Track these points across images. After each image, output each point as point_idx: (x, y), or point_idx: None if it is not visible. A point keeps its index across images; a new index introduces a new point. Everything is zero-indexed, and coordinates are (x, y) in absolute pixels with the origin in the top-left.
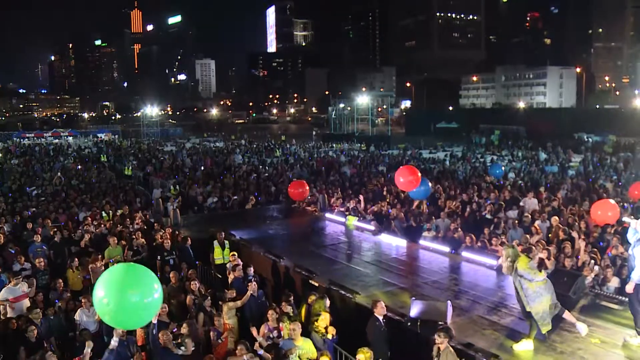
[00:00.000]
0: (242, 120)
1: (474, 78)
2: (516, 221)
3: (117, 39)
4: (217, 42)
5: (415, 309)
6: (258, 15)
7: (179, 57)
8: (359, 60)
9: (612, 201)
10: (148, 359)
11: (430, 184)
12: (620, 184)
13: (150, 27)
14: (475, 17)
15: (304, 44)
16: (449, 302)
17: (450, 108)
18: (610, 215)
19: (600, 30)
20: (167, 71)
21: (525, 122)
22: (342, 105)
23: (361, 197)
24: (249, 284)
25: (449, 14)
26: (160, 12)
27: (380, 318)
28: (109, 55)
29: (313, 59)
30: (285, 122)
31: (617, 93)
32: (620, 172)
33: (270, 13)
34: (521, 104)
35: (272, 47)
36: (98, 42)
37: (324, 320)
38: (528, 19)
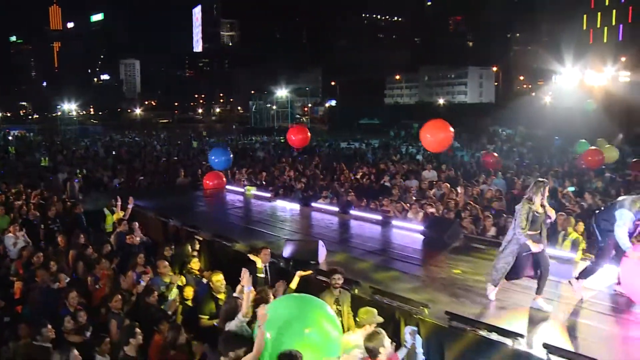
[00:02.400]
0: (167, 120)
1: (397, 77)
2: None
3: (34, 36)
4: (142, 41)
5: (287, 250)
6: (184, 15)
7: (102, 57)
8: (288, 60)
9: None
10: None
11: (231, 155)
12: (523, 164)
13: (70, 25)
14: (400, 19)
15: (230, 44)
16: (320, 241)
17: (374, 106)
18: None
19: (518, 35)
20: (89, 71)
21: (445, 118)
22: (261, 101)
23: (264, 173)
24: (129, 236)
25: (375, 16)
26: (81, 9)
27: (263, 265)
28: (27, 52)
29: (239, 59)
30: (211, 121)
31: (533, 94)
32: (523, 156)
33: (197, 12)
34: (441, 101)
35: (198, 47)
36: (13, 39)
37: (195, 263)
38: (451, 22)
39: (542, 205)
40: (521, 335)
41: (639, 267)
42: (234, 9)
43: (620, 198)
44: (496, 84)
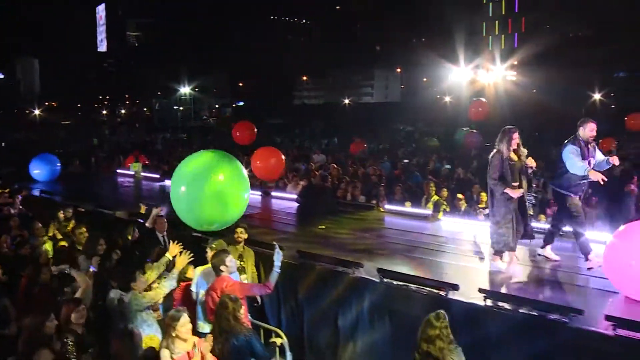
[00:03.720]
0: (69, 122)
1: (305, 78)
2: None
3: None
4: (42, 40)
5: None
6: (87, 13)
7: None
8: (195, 61)
9: None
10: None
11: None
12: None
13: None
14: (309, 22)
15: (137, 44)
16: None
17: (282, 107)
18: None
19: (424, 39)
20: None
21: (350, 118)
22: (165, 100)
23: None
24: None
25: (284, 18)
26: None
27: (161, 235)
28: None
29: (146, 59)
30: (116, 122)
31: (438, 97)
32: None
33: (100, 11)
34: (346, 101)
35: (102, 47)
36: None
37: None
38: (359, 26)
39: (517, 154)
40: (361, 265)
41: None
42: (140, 8)
43: None
44: (403, 87)
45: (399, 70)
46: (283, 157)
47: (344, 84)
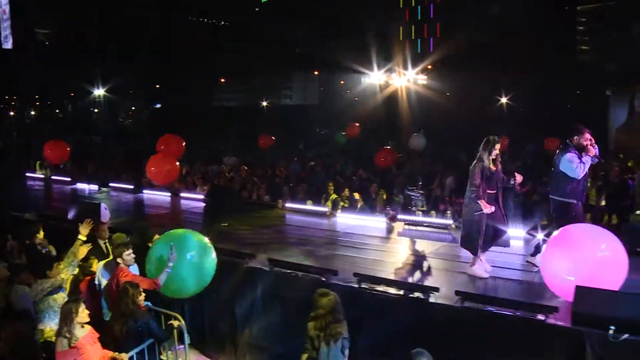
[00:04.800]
0: None
1: (222, 80)
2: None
3: None
4: None
5: (71, 212)
6: None
7: None
8: (112, 62)
9: None
10: None
11: None
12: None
13: None
14: (227, 23)
15: (46, 41)
16: (102, 204)
17: (202, 109)
18: None
19: (342, 42)
20: None
21: (269, 120)
22: (79, 101)
23: None
24: None
25: (203, 19)
26: None
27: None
28: None
29: (57, 58)
30: (25, 124)
31: (356, 99)
32: None
33: (4, 4)
34: (264, 103)
35: (8, 44)
36: None
37: None
38: (280, 28)
39: (495, 164)
40: (253, 256)
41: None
42: (51, 3)
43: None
44: (322, 88)
45: (316, 72)
46: (177, 162)
47: (263, 86)
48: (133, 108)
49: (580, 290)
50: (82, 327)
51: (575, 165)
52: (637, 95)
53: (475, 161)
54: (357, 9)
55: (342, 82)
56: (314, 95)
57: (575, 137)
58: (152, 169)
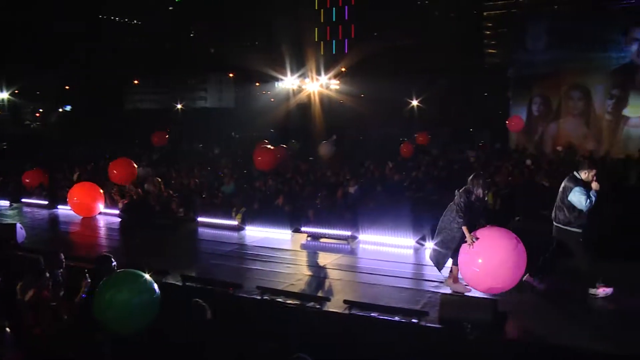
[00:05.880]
0: None
1: (136, 82)
2: None
3: None
4: None
5: None
6: None
7: None
8: (18, 62)
9: None
10: None
11: None
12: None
13: None
14: (139, 22)
15: None
16: (18, 224)
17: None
18: None
19: (257, 43)
20: None
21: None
22: None
23: None
24: None
25: (114, 18)
26: None
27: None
28: None
29: None
30: None
31: (273, 100)
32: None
33: None
34: (179, 106)
35: None
36: None
37: None
38: (193, 28)
39: (482, 196)
40: (167, 272)
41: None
42: None
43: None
44: (237, 91)
45: (231, 75)
46: (101, 190)
47: (178, 88)
48: (41, 110)
49: (444, 298)
50: None
51: (586, 201)
52: (534, 100)
53: (462, 191)
54: (272, 11)
55: (257, 83)
56: (229, 97)
57: (585, 172)
58: (75, 199)
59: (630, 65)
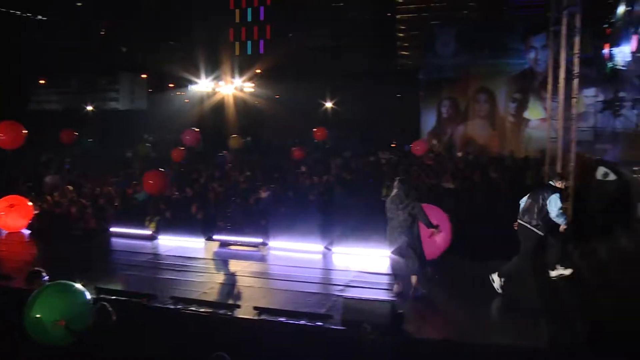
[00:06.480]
0: None
1: (42, 82)
2: None
3: None
4: None
5: None
6: None
7: None
8: None
9: None
10: None
11: None
12: None
13: None
14: (45, 18)
15: None
16: None
17: (16, 111)
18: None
19: (172, 42)
20: None
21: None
22: None
23: None
24: None
25: (16, 12)
26: None
27: None
28: None
29: None
30: None
31: (187, 101)
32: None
33: None
34: (89, 107)
35: None
36: None
37: None
38: (103, 26)
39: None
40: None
41: None
42: None
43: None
44: (150, 90)
45: (144, 75)
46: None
47: (88, 88)
48: None
49: (346, 302)
50: None
51: (559, 210)
52: (443, 103)
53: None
54: (187, 11)
55: (171, 84)
56: (142, 98)
57: (559, 182)
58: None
59: (530, 71)
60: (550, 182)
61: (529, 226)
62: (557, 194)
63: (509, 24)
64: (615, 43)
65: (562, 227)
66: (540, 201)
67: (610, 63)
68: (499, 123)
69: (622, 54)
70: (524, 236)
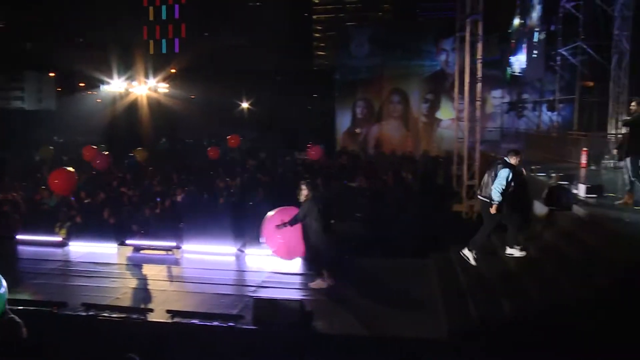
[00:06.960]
0: None
1: None
2: None
3: None
4: None
5: None
6: None
7: None
8: None
9: None
10: None
11: None
12: None
13: None
14: None
15: None
16: None
17: None
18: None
19: (82, 40)
20: None
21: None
22: None
23: None
24: None
25: None
26: None
27: None
28: None
29: None
30: None
31: (99, 101)
32: None
33: None
34: None
35: None
36: None
37: None
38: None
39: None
40: None
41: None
42: None
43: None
44: (59, 89)
45: (52, 74)
46: None
47: None
48: None
49: (257, 302)
50: None
51: (501, 186)
52: (358, 104)
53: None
54: (98, 7)
55: (82, 84)
56: (50, 98)
57: (513, 158)
58: None
59: (441, 72)
60: (505, 158)
61: (487, 200)
62: (508, 169)
63: (421, 27)
64: (513, 52)
65: (493, 208)
66: (493, 175)
67: (509, 69)
68: (412, 123)
69: (518, 61)
70: (484, 210)
